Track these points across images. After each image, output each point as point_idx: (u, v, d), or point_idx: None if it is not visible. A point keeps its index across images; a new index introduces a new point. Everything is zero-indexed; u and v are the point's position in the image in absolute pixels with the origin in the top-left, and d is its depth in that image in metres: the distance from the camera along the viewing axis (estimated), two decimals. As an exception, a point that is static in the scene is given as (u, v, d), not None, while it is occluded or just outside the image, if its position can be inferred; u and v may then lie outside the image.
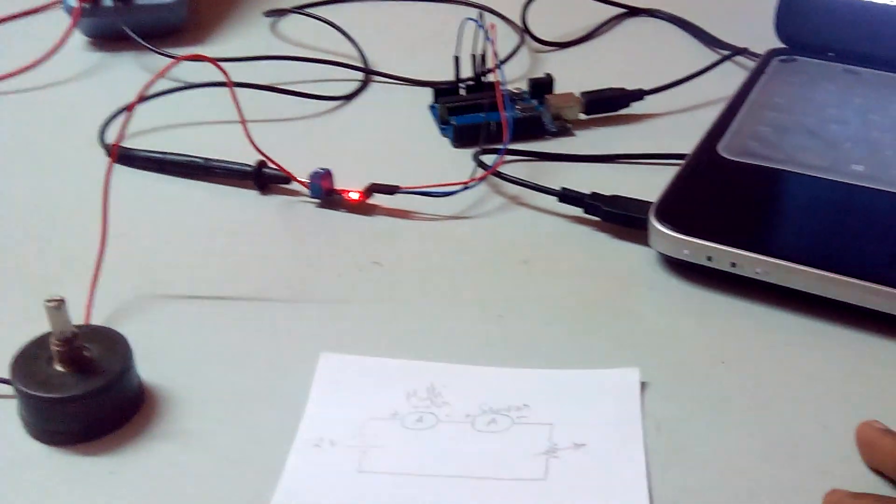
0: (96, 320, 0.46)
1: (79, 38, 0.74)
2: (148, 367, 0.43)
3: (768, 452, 0.39)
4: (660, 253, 0.49)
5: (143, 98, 0.64)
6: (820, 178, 0.51)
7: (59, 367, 0.41)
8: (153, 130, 0.63)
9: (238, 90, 0.52)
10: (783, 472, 0.38)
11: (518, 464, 0.39)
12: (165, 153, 0.59)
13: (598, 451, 0.39)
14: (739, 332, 0.45)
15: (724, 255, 0.46)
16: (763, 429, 0.40)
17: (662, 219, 0.48)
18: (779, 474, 0.38)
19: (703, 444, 0.40)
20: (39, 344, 0.41)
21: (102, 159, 0.61)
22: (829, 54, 0.63)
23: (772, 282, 0.46)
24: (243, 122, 0.52)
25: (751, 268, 0.46)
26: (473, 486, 0.38)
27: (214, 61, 0.50)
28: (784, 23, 0.64)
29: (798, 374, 0.43)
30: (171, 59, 0.47)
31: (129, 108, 0.47)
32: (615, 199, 0.53)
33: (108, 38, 0.74)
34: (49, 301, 0.39)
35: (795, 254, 0.46)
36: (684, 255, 0.48)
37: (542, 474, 0.38)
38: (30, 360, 0.41)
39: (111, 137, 0.62)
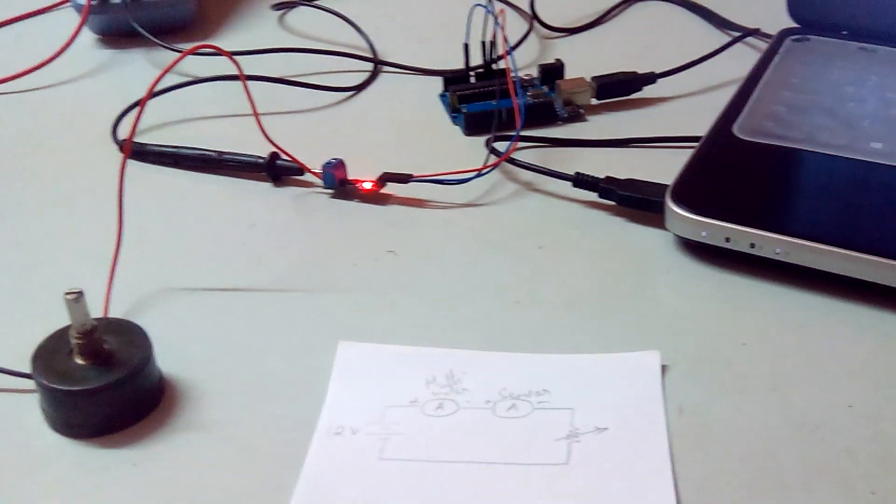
0: (115, 314, 0.46)
1: (88, 36, 0.74)
2: (167, 360, 0.43)
3: (793, 434, 0.39)
4: (677, 235, 0.49)
5: (153, 93, 0.64)
6: (839, 156, 0.51)
7: (79, 360, 0.41)
8: (165, 125, 0.63)
9: (248, 83, 0.52)
10: (809, 453, 0.38)
11: (540, 449, 0.38)
12: (178, 147, 0.59)
13: (621, 436, 0.39)
14: (760, 313, 0.45)
15: (742, 236, 0.46)
16: (787, 410, 0.40)
17: (679, 201, 0.48)
18: (805, 456, 0.38)
19: (727, 427, 0.39)
20: (59, 337, 0.41)
21: (116, 155, 0.61)
22: (843, 33, 0.62)
23: (792, 262, 0.45)
24: (256, 114, 0.52)
25: (770, 248, 0.46)
26: (495, 471, 0.38)
27: (228, 53, 0.50)
28: (796, 2, 0.64)
29: (821, 355, 0.43)
30: (181, 53, 0.47)
31: (140, 103, 0.47)
32: (630, 183, 0.52)
33: (118, 34, 0.74)
34: (68, 294, 0.39)
35: (816, 233, 0.45)
36: (702, 237, 0.47)
37: (564, 459, 0.38)
38: (50, 354, 0.41)
39: (124, 133, 0.62)
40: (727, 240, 0.47)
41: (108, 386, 0.40)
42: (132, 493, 0.38)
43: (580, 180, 0.53)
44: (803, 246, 0.45)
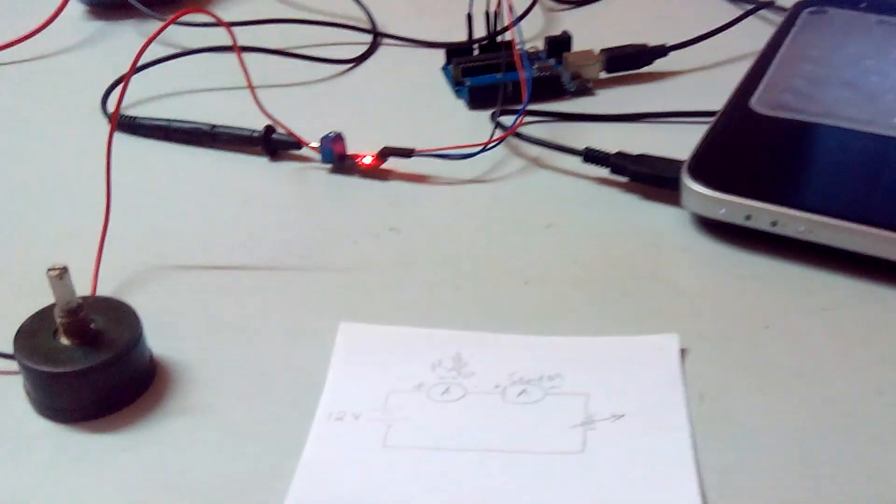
0: (103, 293, 0.43)
1: (77, 7, 0.72)
2: (158, 340, 0.41)
3: (821, 421, 0.37)
4: (693, 213, 0.47)
5: (144, 64, 0.62)
6: (862, 131, 0.48)
7: (64, 341, 0.38)
8: (157, 98, 0.61)
9: (243, 55, 0.50)
10: (838, 442, 0.36)
11: (553, 436, 0.36)
12: (170, 120, 0.57)
13: (639, 423, 0.37)
14: (783, 295, 0.43)
15: (764, 214, 0.44)
16: (814, 396, 0.38)
17: (696, 176, 0.46)
18: (833, 444, 0.36)
19: (751, 414, 0.37)
20: (43, 316, 0.39)
21: (105, 129, 0.58)
22: (861, 5, 0.60)
23: (816, 241, 0.43)
24: (251, 86, 0.50)
25: (793, 226, 0.43)
26: (506, 460, 0.36)
27: (223, 21, 0.48)
28: (812, -26, 0.61)
29: (848, 338, 0.41)
30: (173, 21, 0.45)
31: (126, 74, 0.45)
32: (642, 158, 0.50)
33: (107, 6, 0.72)
34: (51, 270, 0.37)
35: (841, 210, 0.43)
36: (721, 214, 0.45)
37: (579, 447, 0.36)
38: (34, 334, 0.39)
39: (113, 106, 0.59)
40: (747, 217, 0.44)
41: (95, 367, 0.38)
42: (121, 480, 0.36)
43: (590, 155, 0.51)
44: (828, 224, 0.43)
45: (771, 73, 0.54)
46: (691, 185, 0.46)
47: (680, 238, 0.47)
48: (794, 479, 0.35)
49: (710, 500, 0.34)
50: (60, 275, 0.37)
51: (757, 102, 0.51)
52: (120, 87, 0.45)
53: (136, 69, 0.45)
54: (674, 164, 0.48)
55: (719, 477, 0.35)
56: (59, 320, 0.38)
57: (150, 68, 0.62)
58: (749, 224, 0.44)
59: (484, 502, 0.34)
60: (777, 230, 0.44)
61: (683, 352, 0.40)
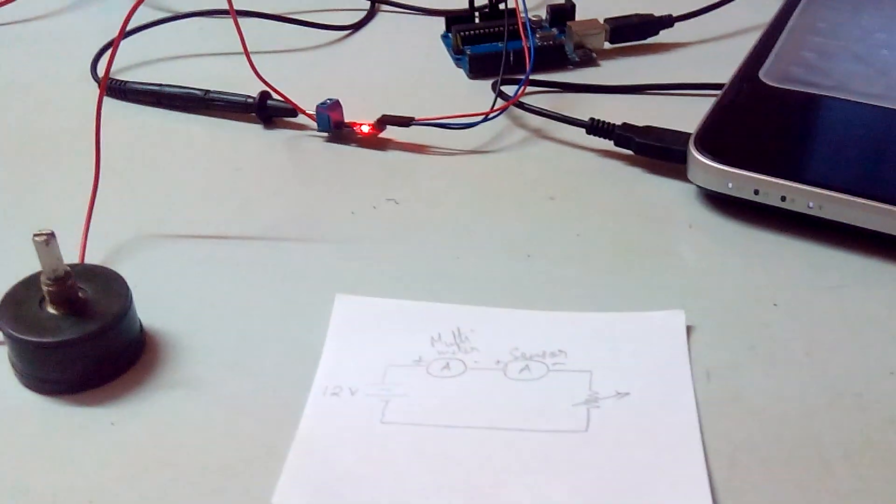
0: (91, 262, 0.42)
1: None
2: (149, 311, 0.40)
3: (831, 401, 0.36)
4: (699, 187, 0.46)
5: (136, 28, 0.60)
6: (874, 105, 0.47)
7: (51, 310, 0.37)
8: (149, 62, 0.60)
9: (238, 19, 0.48)
10: (848, 422, 0.35)
11: (556, 414, 0.35)
12: (162, 85, 0.56)
13: (644, 401, 0.36)
14: (791, 272, 0.42)
15: (773, 188, 0.43)
16: (823, 376, 0.37)
17: (703, 149, 0.45)
18: (843, 425, 0.35)
19: (759, 393, 0.36)
20: (29, 284, 0.38)
21: (95, 93, 0.56)
22: (871, -22, 0.59)
23: (826, 217, 0.42)
24: (246, 51, 0.48)
25: (803, 202, 0.42)
26: (508, 438, 0.35)
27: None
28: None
29: (859, 317, 0.39)
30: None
31: (116, 37, 0.43)
32: (648, 130, 0.49)
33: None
34: (37, 235, 0.36)
35: (852, 186, 0.42)
36: (728, 188, 0.44)
37: (583, 426, 0.35)
38: (19, 303, 0.37)
39: (103, 70, 0.58)
40: (756, 192, 0.43)
41: (83, 338, 0.36)
42: (109, 455, 0.35)
43: (594, 127, 0.50)
44: (838, 199, 0.42)
45: (780, 46, 0.52)
46: (699, 158, 0.45)
47: (686, 213, 0.46)
48: (804, 461, 0.34)
49: (717, 481, 0.33)
50: (47, 241, 0.36)
51: (766, 75, 0.50)
52: (110, 52, 0.43)
53: (126, 32, 0.44)
54: (680, 137, 0.47)
55: (727, 458, 0.34)
56: (45, 288, 0.37)
57: (142, 32, 0.61)
58: (757, 199, 0.43)
59: (484, 481, 0.33)
60: (786, 206, 0.43)
61: (689, 329, 0.39)
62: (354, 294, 0.41)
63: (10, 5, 0.65)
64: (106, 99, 0.56)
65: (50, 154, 0.52)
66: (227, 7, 0.48)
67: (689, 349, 0.38)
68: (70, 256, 0.41)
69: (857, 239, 0.42)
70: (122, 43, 0.60)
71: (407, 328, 0.39)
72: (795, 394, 0.36)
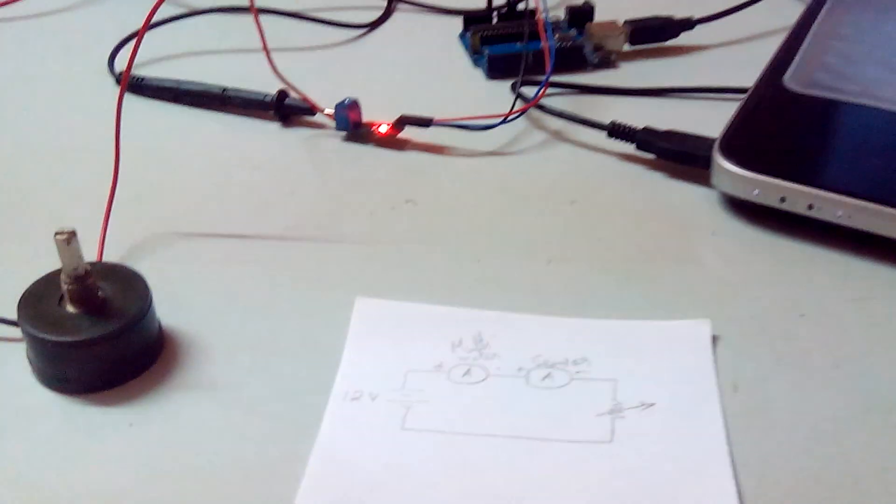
0: (110, 259, 0.42)
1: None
2: (167, 311, 0.39)
3: (861, 416, 0.35)
4: (723, 193, 0.45)
5: (155, 23, 0.60)
6: (901, 113, 0.47)
7: (70, 308, 0.37)
8: (167, 58, 0.59)
9: (250, 16, 0.48)
10: (880, 437, 0.34)
11: (580, 424, 0.35)
12: (181, 82, 0.55)
13: (670, 412, 0.35)
14: (819, 281, 0.41)
15: (800, 196, 0.42)
16: (853, 388, 0.36)
17: (729, 155, 0.44)
18: (876, 442, 0.34)
19: (787, 406, 0.36)
20: (49, 282, 0.37)
21: (113, 89, 0.57)
22: (896, -17, 0.58)
23: (854, 227, 0.42)
24: (266, 48, 0.48)
25: (830, 210, 0.42)
26: (530, 447, 0.34)
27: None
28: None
29: (887, 328, 0.39)
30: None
31: (139, 33, 0.42)
32: (671, 135, 0.48)
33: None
34: (59, 234, 0.35)
35: (880, 194, 0.41)
36: (754, 195, 0.43)
37: (607, 436, 0.34)
38: (38, 300, 0.37)
39: (122, 65, 0.57)
40: (782, 200, 0.43)
41: (102, 337, 0.36)
42: (127, 456, 0.34)
43: (616, 130, 0.49)
44: (867, 208, 0.41)
45: (804, 50, 0.52)
46: (724, 164, 0.44)
47: (709, 219, 0.45)
48: (833, 475, 0.33)
49: (746, 496, 0.32)
50: (68, 239, 0.35)
51: (790, 80, 0.49)
52: (130, 45, 0.43)
53: (144, 26, 0.43)
54: (704, 142, 0.46)
55: (756, 472, 0.33)
56: (65, 287, 0.36)
57: (161, 27, 0.61)
58: (784, 207, 0.43)
59: (506, 491, 0.33)
60: (813, 214, 0.42)
61: (715, 339, 0.38)
62: (373, 296, 0.41)
63: (27, 0, 0.64)
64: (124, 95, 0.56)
65: (67, 150, 0.51)
66: (245, 4, 0.47)
67: (715, 359, 0.37)
68: (88, 254, 0.40)
69: (886, 249, 0.42)
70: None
71: (427, 333, 0.39)
72: (824, 407, 0.35)
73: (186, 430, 0.35)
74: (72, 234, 0.35)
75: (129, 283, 0.38)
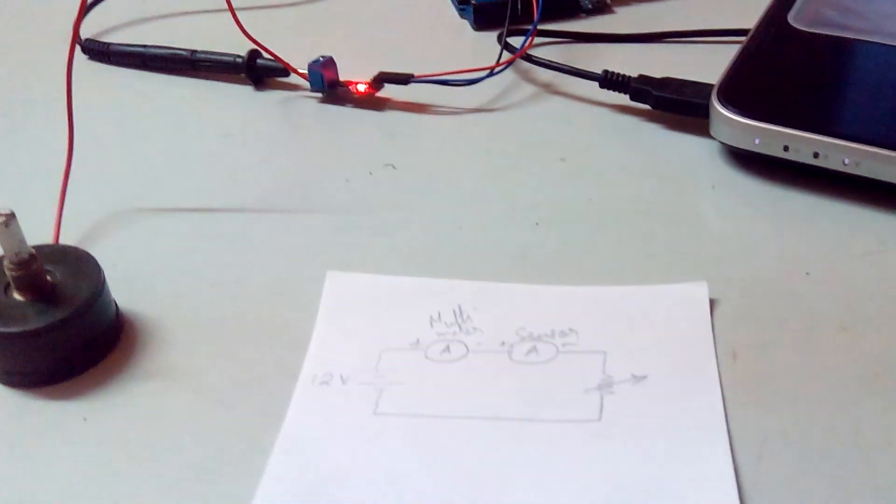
0: (68, 241, 0.39)
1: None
2: (126, 294, 0.37)
3: (870, 383, 0.32)
4: (724, 144, 0.42)
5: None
6: (915, 50, 0.43)
7: (16, 296, 0.34)
8: (134, 23, 0.57)
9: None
10: (890, 407, 0.31)
11: (566, 402, 0.32)
12: (147, 46, 0.53)
13: (663, 385, 0.32)
14: (826, 236, 0.38)
15: (805, 144, 0.39)
16: (861, 354, 0.33)
17: (728, 102, 0.41)
18: (885, 410, 0.31)
19: (790, 375, 0.33)
20: (-7, 269, 0.35)
21: (78, 57, 0.53)
22: None
23: (863, 175, 0.39)
24: (230, 5, 0.45)
25: (838, 158, 0.39)
26: (513, 429, 0.31)
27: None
28: None
29: (900, 285, 0.36)
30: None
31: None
32: (666, 82, 0.45)
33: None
34: (-5, 217, 0.33)
35: (891, 139, 0.38)
36: (755, 144, 0.40)
37: (595, 414, 0.32)
38: (-18, 289, 0.35)
39: (87, 32, 0.54)
40: (786, 149, 0.40)
41: (52, 326, 0.33)
42: (81, 452, 0.32)
43: (608, 80, 0.46)
44: (877, 154, 0.38)
45: (810, -15, 0.48)
46: (722, 112, 0.41)
47: (709, 172, 0.42)
48: (841, 452, 0.30)
49: (745, 475, 0.30)
50: (6, 221, 0.33)
51: (795, 18, 0.46)
52: (95, 10, 0.40)
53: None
54: (702, 89, 0.43)
55: (756, 448, 0.30)
56: (9, 273, 0.34)
57: (129, -10, 0.58)
58: (787, 156, 0.40)
59: (486, 478, 0.30)
60: (819, 163, 0.39)
61: (713, 302, 0.35)
62: (347, 270, 0.38)
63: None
64: (88, 62, 0.53)
65: (26, 122, 0.49)
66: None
67: (712, 325, 0.34)
68: (44, 235, 0.38)
69: (897, 198, 0.39)
70: (107, 2, 0.57)
71: (404, 307, 0.36)
72: (830, 374, 0.33)
73: (144, 423, 0.33)
74: (9, 216, 0.33)
75: (81, 266, 0.36)
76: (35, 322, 0.33)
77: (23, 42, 0.56)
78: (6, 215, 0.33)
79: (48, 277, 0.35)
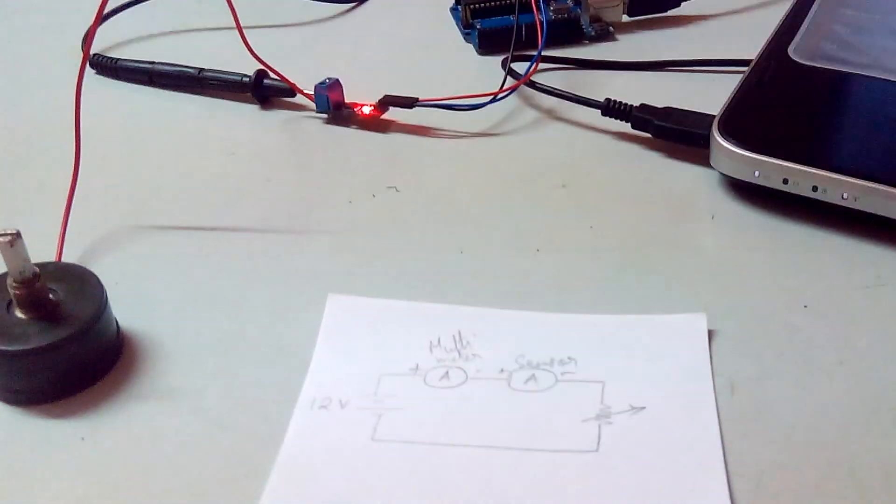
0: (70, 258, 0.39)
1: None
2: (128, 313, 0.37)
3: (867, 418, 0.32)
4: (724, 175, 0.42)
5: (130, 1, 0.57)
6: (914, 85, 0.44)
7: (19, 314, 0.34)
8: (142, 38, 0.57)
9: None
10: (886, 442, 0.32)
11: (564, 432, 0.32)
12: (155, 63, 0.53)
13: (661, 417, 0.32)
14: (824, 269, 0.38)
15: (804, 177, 0.39)
16: (858, 388, 0.33)
17: (728, 134, 0.41)
18: (881, 445, 0.31)
19: (788, 408, 0.33)
20: (-4, 286, 0.35)
21: (87, 72, 0.54)
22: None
23: (862, 209, 0.39)
24: (239, 27, 0.45)
25: (836, 192, 0.39)
26: (511, 459, 0.31)
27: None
28: None
29: (897, 320, 0.36)
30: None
31: (100, 7, 0.40)
32: (668, 112, 0.45)
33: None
34: (1, 235, 0.33)
35: (889, 175, 0.38)
36: (755, 177, 0.40)
37: (593, 445, 0.32)
38: (-15, 306, 0.35)
39: (96, 47, 0.55)
40: (785, 181, 0.40)
41: (51, 346, 0.33)
42: (78, 472, 0.32)
43: (611, 108, 0.46)
44: (876, 190, 0.38)
45: (810, 19, 0.49)
46: (723, 144, 0.41)
47: (708, 202, 0.42)
48: (837, 486, 0.30)
49: (741, 509, 0.30)
50: (12, 241, 0.33)
51: (795, 51, 0.46)
52: (104, 25, 0.41)
53: (121, 6, 0.41)
54: (703, 120, 0.44)
55: (753, 481, 0.30)
56: (12, 291, 0.34)
57: (138, 6, 0.58)
58: (786, 189, 0.40)
59: (484, 506, 0.30)
60: (818, 196, 0.39)
61: (712, 333, 0.36)
62: (348, 292, 0.38)
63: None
64: (97, 77, 0.54)
65: (33, 136, 0.49)
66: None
67: (711, 357, 0.35)
68: (47, 251, 0.38)
69: (895, 232, 0.39)
70: (116, 18, 0.57)
71: (404, 332, 0.36)
72: (828, 408, 0.33)
73: (141, 444, 0.33)
74: (15, 236, 0.33)
75: (83, 285, 0.36)
76: (36, 340, 0.34)
77: (29, 56, 0.56)
78: (12, 235, 0.33)
79: (51, 296, 0.35)
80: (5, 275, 0.34)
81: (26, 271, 0.34)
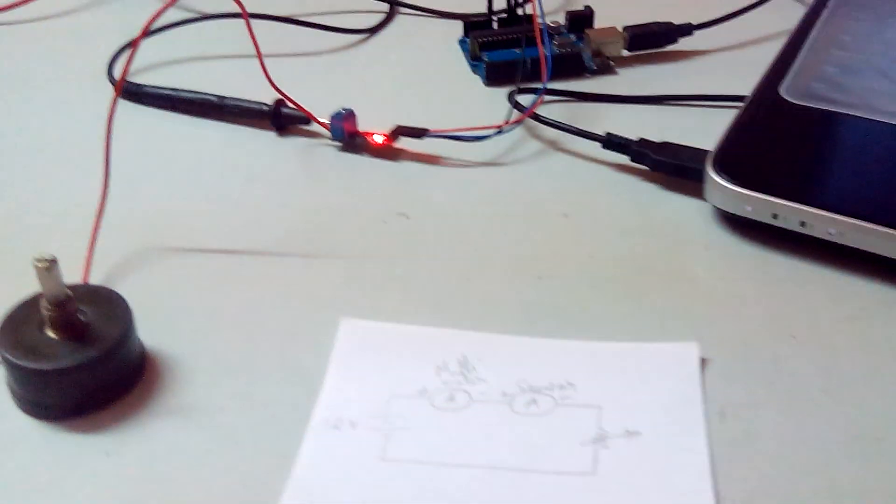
0: (95, 278, 0.42)
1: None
2: (151, 333, 0.39)
3: (851, 446, 0.34)
4: (717, 208, 0.45)
5: (153, 30, 0.59)
6: (899, 126, 0.46)
7: (50, 334, 0.36)
8: (165, 65, 0.59)
9: (253, 22, 0.47)
10: (870, 467, 0.34)
11: (562, 454, 0.34)
12: (177, 90, 0.55)
13: (654, 441, 0.34)
14: (811, 301, 0.40)
15: (792, 213, 0.41)
16: (845, 416, 0.35)
17: (722, 170, 0.43)
18: (865, 471, 0.33)
19: (775, 436, 0.35)
20: (29, 306, 0.37)
21: (110, 96, 0.55)
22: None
23: (847, 244, 0.41)
24: (260, 56, 0.47)
25: (823, 228, 0.41)
26: (511, 479, 0.33)
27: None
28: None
29: (880, 349, 0.38)
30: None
31: (135, 42, 0.42)
32: (665, 147, 0.48)
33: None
34: (39, 261, 0.35)
35: (875, 213, 0.40)
36: (746, 211, 0.43)
37: (590, 467, 0.34)
38: (18, 325, 0.37)
39: (120, 72, 0.57)
40: (774, 216, 0.42)
41: (82, 364, 0.36)
42: (102, 486, 0.34)
43: (611, 142, 0.48)
44: (861, 227, 0.40)
45: (801, 59, 0.51)
46: (716, 180, 0.43)
47: (702, 233, 0.45)
48: (819, 509, 0.32)
49: (728, 530, 0.32)
50: (49, 267, 0.35)
51: (786, 91, 0.48)
52: (128, 52, 0.42)
53: (142, 34, 0.43)
54: (698, 155, 0.46)
55: (739, 504, 0.33)
56: (45, 312, 0.36)
57: (159, 34, 0.60)
58: (776, 223, 0.42)
59: (486, 522, 0.32)
60: (805, 231, 0.41)
61: (704, 361, 0.38)
62: (359, 316, 0.40)
63: (29, 3, 0.64)
64: (120, 101, 0.55)
65: (60, 159, 0.51)
66: (239, 10, 0.46)
67: (702, 384, 0.37)
68: (74, 271, 0.40)
69: (880, 266, 0.41)
70: (140, 43, 0.59)
71: (412, 356, 0.38)
72: (812, 437, 0.35)
73: (162, 460, 0.35)
74: (52, 263, 0.35)
75: (111, 308, 0.38)
76: (67, 360, 0.36)
77: (55, 79, 0.58)
78: (49, 261, 0.35)
79: (80, 317, 0.37)
80: (39, 295, 0.36)
81: (60, 295, 0.36)
